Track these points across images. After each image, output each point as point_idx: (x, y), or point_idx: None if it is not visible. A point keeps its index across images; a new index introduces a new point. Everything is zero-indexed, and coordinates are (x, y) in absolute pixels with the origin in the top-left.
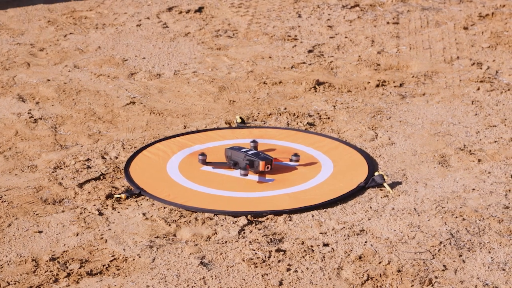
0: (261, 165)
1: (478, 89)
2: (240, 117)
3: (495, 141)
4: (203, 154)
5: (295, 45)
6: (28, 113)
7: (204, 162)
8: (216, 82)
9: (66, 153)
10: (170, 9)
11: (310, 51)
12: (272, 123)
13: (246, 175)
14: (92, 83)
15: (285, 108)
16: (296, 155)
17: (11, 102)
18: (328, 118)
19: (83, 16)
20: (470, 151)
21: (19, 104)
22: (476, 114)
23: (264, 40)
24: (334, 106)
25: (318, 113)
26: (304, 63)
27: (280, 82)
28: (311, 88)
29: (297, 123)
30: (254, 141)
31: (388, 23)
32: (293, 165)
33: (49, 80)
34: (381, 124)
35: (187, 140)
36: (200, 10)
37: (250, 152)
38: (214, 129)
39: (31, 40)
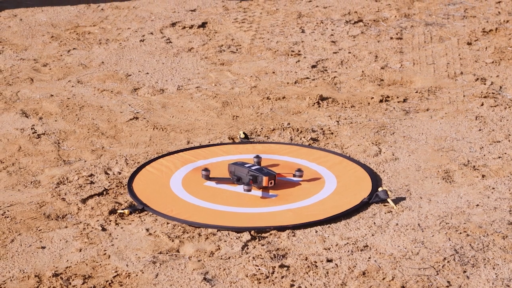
0: (265, 180)
1: (482, 104)
2: (244, 133)
3: (499, 157)
4: (206, 170)
5: (298, 60)
6: (31, 128)
7: (208, 178)
8: (220, 98)
9: (69, 169)
10: (173, 24)
11: (313, 66)
12: (276, 139)
13: (249, 190)
14: (96, 99)
15: (289, 124)
16: (299, 170)
17: (14, 118)
18: (332, 133)
19: (86, 31)
20: (474, 166)
21: (23, 119)
22: (480, 130)
23: (268, 55)
24: (338, 122)
25: (322, 129)
26: (307, 78)
27: (283, 98)
28: (314, 103)
29: (300, 139)
30: (257, 157)
31: (391, 38)
32: (296, 181)
33: (52, 95)
34: (385, 140)
35: (191, 155)
36: (203, 25)
37: (253, 168)
38: (218, 144)
39: (35, 56)
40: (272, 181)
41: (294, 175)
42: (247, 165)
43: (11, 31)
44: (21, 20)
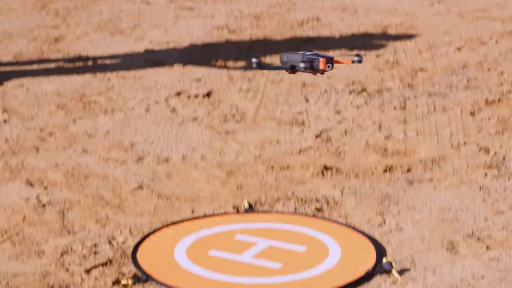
0: (322, 62)
1: (486, 175)
2: (248, 202)
3: (504, 228)
4: (257, 57)
5: (302, 130)
6: (36, 198)
7: (259, 66)
8: (224, 167)
9: (73, 239)
10: (178, 93)
11: (317, 136)
12: (280, 208)
13: (306, 68)
14: (100, 168)
15: (293, 193)
16: (358, 55)
17: (20, 187)
18: (336, 203)
19: (92, 100)
20: (478, 237)
21: (27, 189)
22: (484, 200)
23: (272, 125)
24: (342, 191)
25: (326, 198)
26: (311, 147)
27: (287, 167)
28: (318, 173)
29: (304, 208)
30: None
31: (395, 108)
32: (354, 63)
33: (57, 164)
34: (389, 210)
35: (195, 225)
36: (208, 94)
37: (307, 53)
38: (222, 214)
39: (41, 125)
40: (330, 64)
41: (353, 61)
42: (300, 52)
43: (18, 101)
44: (28, 90)
